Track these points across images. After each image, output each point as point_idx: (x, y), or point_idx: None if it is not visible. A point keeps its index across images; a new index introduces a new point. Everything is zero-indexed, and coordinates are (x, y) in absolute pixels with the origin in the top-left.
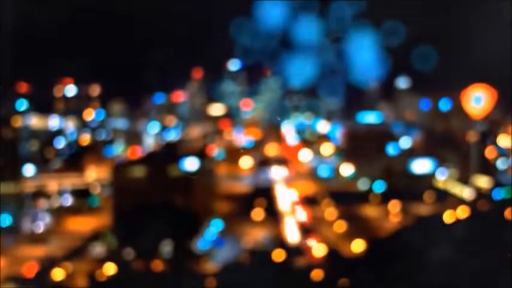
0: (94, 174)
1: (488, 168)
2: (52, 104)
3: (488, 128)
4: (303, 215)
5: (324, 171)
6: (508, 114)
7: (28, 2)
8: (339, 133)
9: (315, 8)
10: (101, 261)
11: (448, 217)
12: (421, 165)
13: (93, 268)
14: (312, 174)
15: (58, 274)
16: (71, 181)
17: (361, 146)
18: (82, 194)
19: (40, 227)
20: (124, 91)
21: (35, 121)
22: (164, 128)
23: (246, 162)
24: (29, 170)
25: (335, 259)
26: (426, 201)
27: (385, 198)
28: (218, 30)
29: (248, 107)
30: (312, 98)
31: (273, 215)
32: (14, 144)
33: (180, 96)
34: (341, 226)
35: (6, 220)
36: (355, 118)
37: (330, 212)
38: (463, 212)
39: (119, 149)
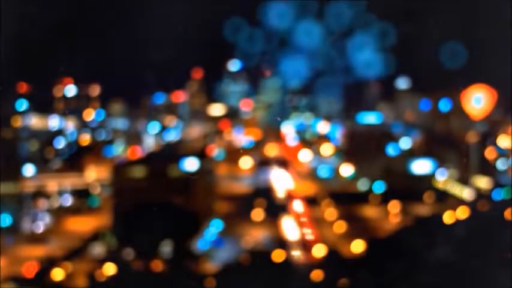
0: (94, 174)
1: (488, 168)
2: (52, 104)
3: (488, 128)
4: (302, 215)
5: (323, 172)
6: (508, 114)
7: (28, 2)
8: (338, 133)
9: (315, 7)
10: (101, 261)
11: (448, 217)
12: (421, 166)
13: (93, 268)
14: (312, 175)
15: (58, 274)
16: (70, 181)
17: (361, 147)
18: (82, 194)
19: (40, 227)
20: (124, 91)
21: (34, 121)
22: (164, 128)
23: (246, 162)
24: (28, 170)
25: (335, 259)
26: (426, 202)
27: (385, 198)
28: (218, 30)
29: (248, 107)
30: (311, 98)
31: (273, 216)
32: (14, 144)
33: (180, 96)
34: (341, 226)
35: (6, 220)
36: (354, 118)
37: (329, 212)
38: (463, 213)
39: (118, 149)
